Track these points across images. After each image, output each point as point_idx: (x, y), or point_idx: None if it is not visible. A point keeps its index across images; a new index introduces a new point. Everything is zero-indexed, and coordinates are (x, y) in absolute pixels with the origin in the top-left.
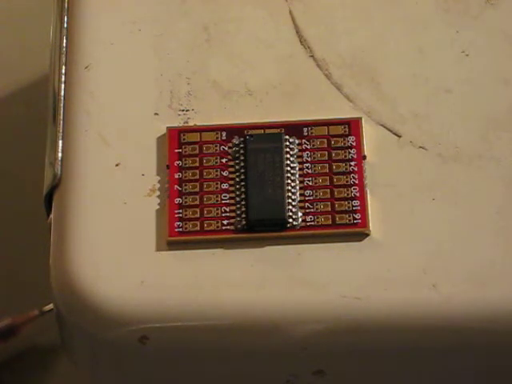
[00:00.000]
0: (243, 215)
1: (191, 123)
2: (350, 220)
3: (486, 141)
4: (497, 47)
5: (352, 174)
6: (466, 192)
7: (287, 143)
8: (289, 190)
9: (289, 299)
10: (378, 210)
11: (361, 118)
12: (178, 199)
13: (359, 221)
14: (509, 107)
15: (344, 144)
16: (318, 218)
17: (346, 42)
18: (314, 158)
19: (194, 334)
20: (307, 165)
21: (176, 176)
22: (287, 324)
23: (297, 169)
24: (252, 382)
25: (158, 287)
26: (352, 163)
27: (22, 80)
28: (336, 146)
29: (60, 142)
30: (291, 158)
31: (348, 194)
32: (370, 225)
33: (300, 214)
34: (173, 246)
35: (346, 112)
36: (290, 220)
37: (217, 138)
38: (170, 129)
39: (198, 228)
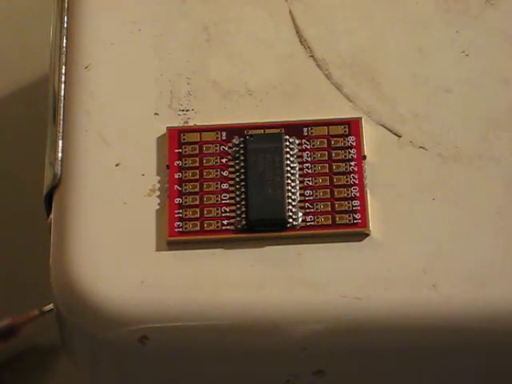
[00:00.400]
0: (243, 215)
1: (191, 123)
2: (349, 220)
3: (486, 141)
4: (497, 47)
5: (352, 174)
6: (465, 192)
7: (287, 143)
8: (289, 190)
9: (289, 299)
10: (378, 210)
11: (361, 118)
12: (178, 199)
13: (359, 221)
14: (509, 107)
15: (344, 144)
16: (317, 218)
17: (346, 42)
18: (314, 158)
19: (194, 334)
20: (307, 165)
21: (176, 176)
22: (287, 324)
23: (297, 169)
24: (252, 382)
25: (158, 287)
26: (352, 163)
27: (22, 80)
28: (336, 145)
29: (60, 141)
30: (291, 158)
31: (348, 194)
32: (370, 225)
33: (300, 214)
34: (173, 245)
35: (346, 112)
36: (290, 220)
37: (217, 137)
38: (169, 129)
39: (198, 228)
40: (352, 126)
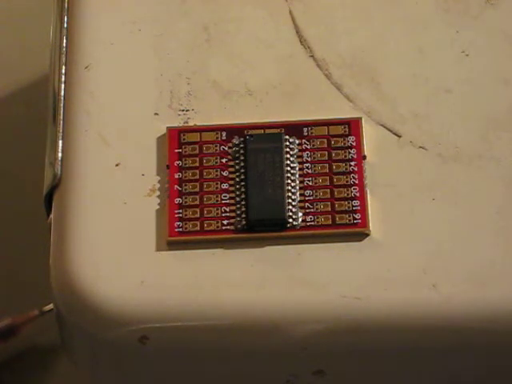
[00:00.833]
0: (243, 215)
1: (191, 123)
2: (349, 220)
3: (486, 141)
4: (497, 47)
5: (352, 174)
6: (465, 192)
7: (287, 143)
8: (289, 190)
9: (289, 299)
10: (378, 210)
11: (361, 118)
12: (178, 199)
13: (359, 221)
14: (509, 107)
15: (344, 144)
16: (317, 218)
17: (346, 42)
18: (314, 158)
19: (194, 334)
20: (307, 165)
21: (176, 176)
22: (287, 324)
23: (297, 169)
24: (252, 382)
25: (158, 287)
26: (352, 163)
27: (22, 80)
28: (336, 145)
29: (60, 141)
30: (291, 158)
31: (348, 194)
32: (370, 225)
33: (300, 214)
34: (173, 245)
35: (346, 112)
36: (290, 220)
37: (217, 138)
38: (169, 129)
39: (198, 228)
40: (352, 126)
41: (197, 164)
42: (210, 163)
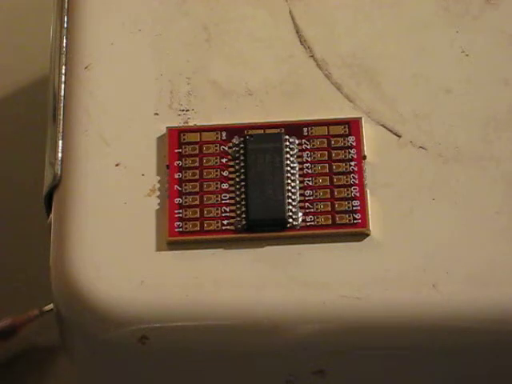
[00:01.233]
0: (243, 215)
1: (191, 123)
2: (349, 220)
3: (486, 141)
4: (497, 47)
5: (352, 174)
6: (466, 192)
7: (287, 143)
8: (289, 190)
9: (289, 299)
10: (378, 210)
11: (361, 118)
12: (178, 199)
13: (359, 221)
14: (509, 107)
15: (344, 144)
16: (318, 218)
17: (346, 42)
18: (314, 158)
19: (193, 334)
20: (307, 165)
21: (176, 176)
22: (287, 324)
23: (297, 169)
24: (252, 382)
25: (158, 287)
26: (352, 163)
27: (22, 80)
28: (336, 145)
29: (60, 142)
30: (291, 158)
31: (348, 194)
32: (370, 225)
33: (300, 214)
34: (173, 245)
35: (346, 112)
36: (290, 220)
37: (217, 138)
38: (169, 129)
39: (198, 228)
40: (352, 126)
41: (197, 164)
42: (210, 163)
